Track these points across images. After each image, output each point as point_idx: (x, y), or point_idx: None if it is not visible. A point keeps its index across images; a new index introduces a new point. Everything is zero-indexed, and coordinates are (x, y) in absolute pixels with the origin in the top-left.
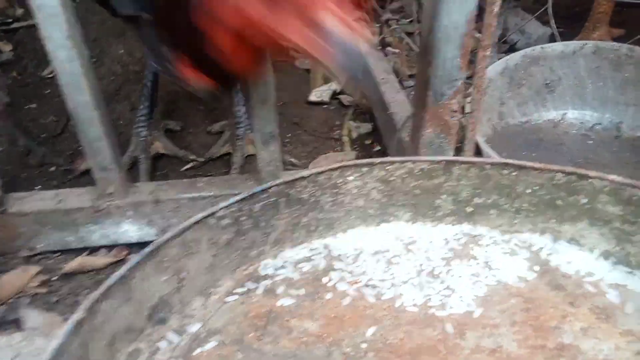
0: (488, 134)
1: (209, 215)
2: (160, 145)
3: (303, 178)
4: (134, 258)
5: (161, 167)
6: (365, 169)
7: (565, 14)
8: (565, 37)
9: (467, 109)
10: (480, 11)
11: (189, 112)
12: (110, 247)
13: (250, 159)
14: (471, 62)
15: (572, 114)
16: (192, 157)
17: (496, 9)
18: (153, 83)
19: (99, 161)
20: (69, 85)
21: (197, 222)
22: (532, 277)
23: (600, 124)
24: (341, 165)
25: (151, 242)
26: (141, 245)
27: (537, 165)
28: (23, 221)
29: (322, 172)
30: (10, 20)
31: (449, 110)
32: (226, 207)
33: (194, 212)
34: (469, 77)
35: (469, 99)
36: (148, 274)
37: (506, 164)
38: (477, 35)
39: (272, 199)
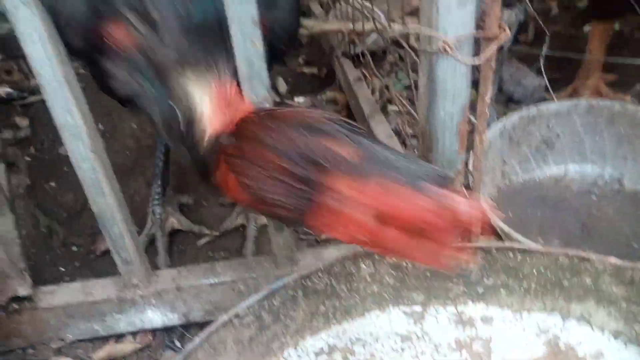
0: (493, 194)
1: (233, 316)
2: (175, 222)
3: (318, 270)
4: None
5: (178, 242)
6: (377, 257)
7: (558, 58)
8: (559, 83)
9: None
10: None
11: (200, 185)
12: (134, 333)
13: (263, 229)
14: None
15: (573, 169)
16: (207, 231)
17: (488, 99)
18: (164, 162)
19: (123, 256)
20: (93, 192)
21: (223, 324)
22: (544, 357)
23: (602, 177)
24: (354, 254)
25: (174, 326)
26: (165, 329)
27: (540, 248)
28: (53, 314)
29: (336, 263)
30: (26, 94)
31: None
32: (248, 306)
33: (214, 296)
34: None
35: (471, 177)
36: None
37: (511, 248)
38: (474, 120)
39: (290, 293)
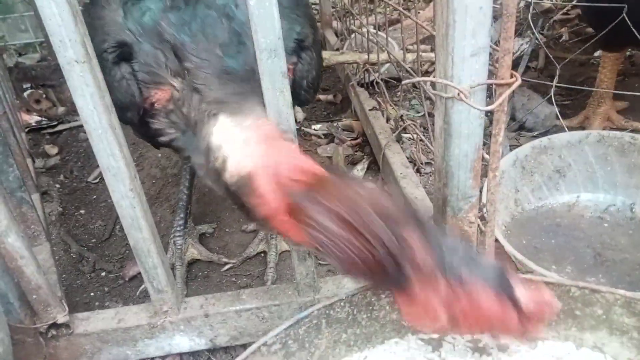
0: (507, 222)
1: (262, 345)
2: (195, 252)
3: (341, 300)
4: None
5: (203, 268)
6: None
7: (569, 84)
8: (570, 110)
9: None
10: None
11: (223, 212)
12: (162, 357)
13: (283, 255)
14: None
15: (586, 197)
16: (225, 260)
17: (500, 138)
18: (188, 196)
19: (155, 285)
20: (131, 226)
21: (252, 353)
22: None
23: (613, 205)
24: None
25: (201, 350)
26: (191, 353)
27: (552, 280)
28: (87, 340)
29: (357, 293)
30: (55, 122)
31: (467, 221)
32: (275, 335)
33: (240, 322)
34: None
35: (485, 209)
36: None
37: (524, 279)
38: (487, 157)
39: (314, 322)
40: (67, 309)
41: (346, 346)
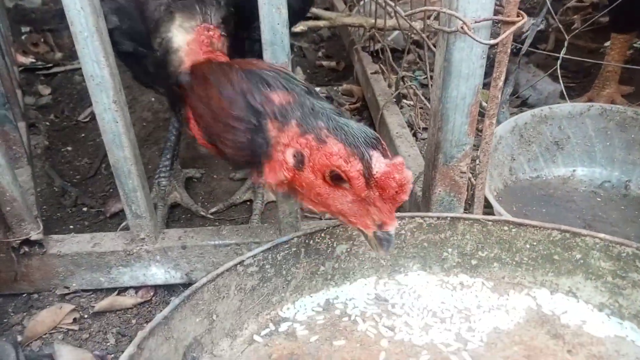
0: (499, 189)
1: (238, 264)
2: (178, 196)
3: (322, 230)
4: (175, 300)
5: (187, 211)
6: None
7: (576, 68)
8: (575, 91)
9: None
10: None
11: (212, 159)
12: (137, 288)
13: (269, 205)
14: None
15: (582, 171)
16: (203, 213)
17: (500, 83)
18: (176, 137)
19: (134, 209)
20: (112, 143)
21: (228, 270)
22: (532, 326)
23: (609, 181)
24: None
25: (176, 284)
26: (166, 287)
27: (534, 223)
28: (61, 262)
29: (339, 225)
30: (51, 65)
31: (458, 171)
32: (253, 256)
33: (218, 258)
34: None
35: (478, 161)
36: (185, 316)
37: (507, 222)
38: (484, 104)
39: (293, 249)
40: (41, 227)
41: (323, 279)
